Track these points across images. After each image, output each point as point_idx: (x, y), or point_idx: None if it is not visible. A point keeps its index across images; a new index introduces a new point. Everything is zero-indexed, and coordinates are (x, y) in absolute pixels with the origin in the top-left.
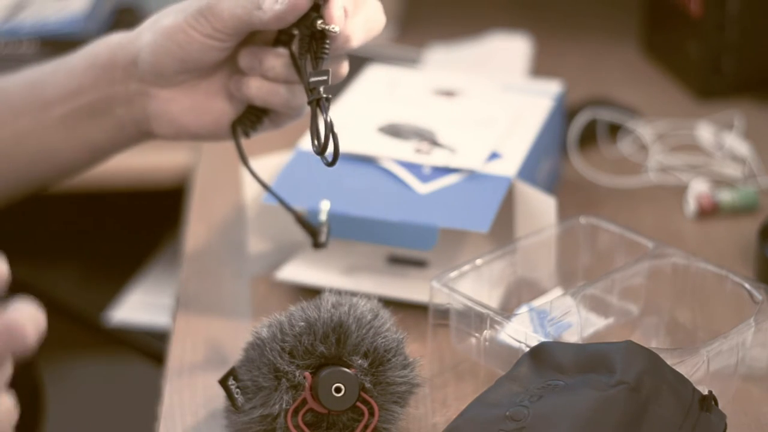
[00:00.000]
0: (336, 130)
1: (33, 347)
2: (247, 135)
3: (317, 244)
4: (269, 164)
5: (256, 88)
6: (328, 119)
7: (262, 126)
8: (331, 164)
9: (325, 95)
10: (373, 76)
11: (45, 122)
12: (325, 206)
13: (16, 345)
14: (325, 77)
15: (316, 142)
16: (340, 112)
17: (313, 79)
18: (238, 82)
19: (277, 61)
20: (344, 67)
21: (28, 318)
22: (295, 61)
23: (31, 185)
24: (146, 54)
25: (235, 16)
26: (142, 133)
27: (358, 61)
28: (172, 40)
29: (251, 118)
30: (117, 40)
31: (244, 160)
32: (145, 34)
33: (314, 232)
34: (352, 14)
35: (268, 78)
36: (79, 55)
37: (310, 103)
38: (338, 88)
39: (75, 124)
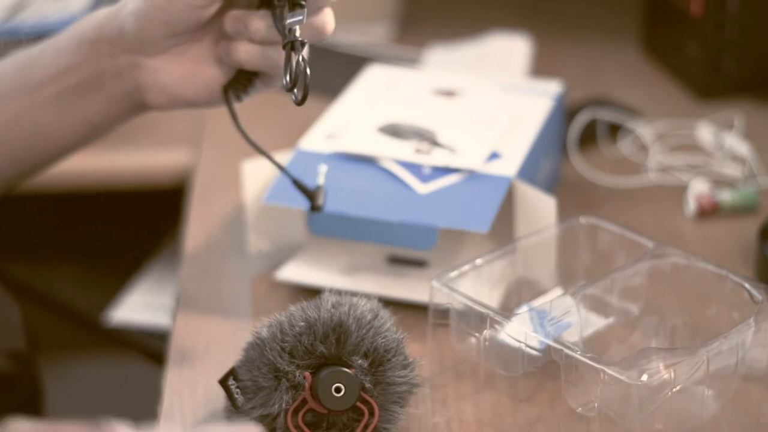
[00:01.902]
0: (308, 70)
1: None
2: (239, 99)
3: (314, 207)
4: (269, 164)
5: (245, 52)
6: (300, 59)
7: (254, 88)
8: (299, 103)
9: (300, 38)
10: (373, 76)
11: (37, 103)
12: (322, 169)
13: None
14: (300, 17)
15: (287, 79)
16: (341, 111)
17: (288, 21)
18: (226, 47)
19: (261, 23)
20: (327, 19)
21: None
22: (273, 7)
23: (28, 168)
24: (130, 23)
25: None
26: (137, 105)
27: (358, 61)
28: (153, 5)
29: (242, 82)
30: (103, 14)
31: (237, 125)
32: (128, 4)
33: (311, 195)
34: None
35: (255, 41)
36: (66, 34)
37: (284, 45)
38: (338, 88)
39: (67, 103)
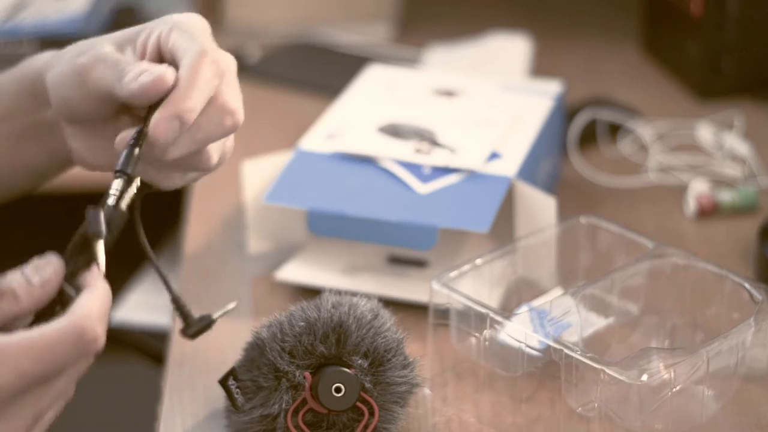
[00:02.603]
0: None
1: (101, 349)
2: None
3: (184, 331)
4: (269, 164)
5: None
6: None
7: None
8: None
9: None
10: (373, 76)
11: None
12: (231, 306)
13: (87, 350)
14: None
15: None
16: (341, 112)
17: (117, 169)
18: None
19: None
20: (208, 158)
21: (97, 317)
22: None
23: None
24: (50, 88)
25: (101, 83)
26: (67, 160)
27: (358, 61)
28: (65, 86)
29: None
30: (41, 63)
31: (141, 237)
32: (55, 67)
33: (187, 320)
34: (190, 129)
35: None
36: (10, 76)
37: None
38: (338, 88)
39: (14, 145)
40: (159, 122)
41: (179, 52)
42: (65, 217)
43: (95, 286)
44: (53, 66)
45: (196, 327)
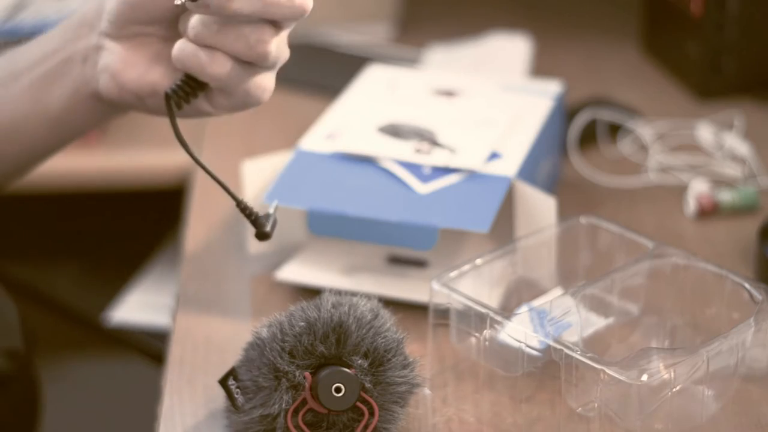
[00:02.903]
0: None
1: None
2: (178, 106)
3: (259, 235)
4: (269, 164)
5: (178, 49)
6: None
7: (198, 102)
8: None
9: (173, 89)
10: (373, 76)
11: (14, 93)
12: (274, 204)
13: None
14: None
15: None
16: (341, 111)
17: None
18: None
19: (198, 20)
20: (262, 82)
21: None
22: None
23: (7, 170)
24: (110, 2)
25: None
26: (92, 96)
27: (358, 61)
28: None
29: (185, 89)
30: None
31: (176, 130)
32: None
33: (258, 222)
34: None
35: (189, 38)
36: (61, 23)
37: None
38: (338, 88)
39: (37, 93)
40: None
41: None
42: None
43: None
44: None
45: (269, 223)
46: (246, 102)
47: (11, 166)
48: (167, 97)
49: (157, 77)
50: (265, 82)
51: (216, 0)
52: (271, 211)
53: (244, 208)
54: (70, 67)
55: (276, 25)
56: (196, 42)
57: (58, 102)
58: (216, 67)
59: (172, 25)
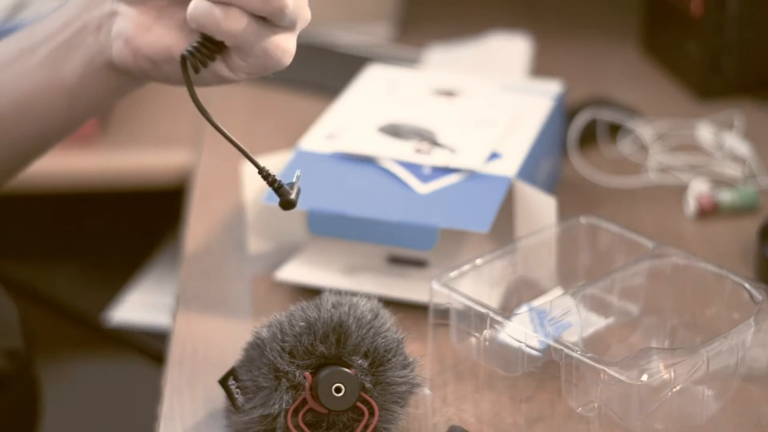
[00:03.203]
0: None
1: None
2: (195, 69)
3: (284, 203)
4: (269, 164)
5: (193, 7)
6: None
7: (216, 66)
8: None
9: (191, 50)
10: (373, 76)
11: (31, 66)
12: (298, 173)
13: None
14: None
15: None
16: (341, 111)
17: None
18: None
19: None
20: (282, 43)
21: None
22: None
23: (22, 148)
24: None
25: None
26: (106, 66)
27: (358, 61)
28: None
29: (202, 51)
30: None
31: (193, 96)
32: None
33: (281, 191)
34: None
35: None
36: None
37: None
38: (338, 88)
39: (52, 65)
40: None
41: None
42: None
43: None
44: None
45: (294, 191)
46: (266, 64)
47: (26, 147)
48: (183, 59)
49: (172, 40)
50: (285, 42)
51: None
52: (294, 179)
53: (266, 176)
54: (85, 36)
55: None
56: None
57: (73, 73)
58: (231, 22)
59: None
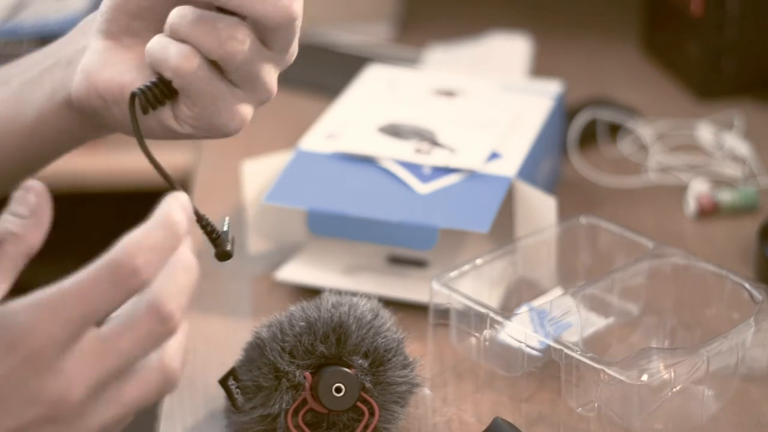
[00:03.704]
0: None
1: (145, 283)
2: (143, 109)
3: (223, 254)
4: (269, 164)
5: (151, 42)
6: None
7: (163, 112)
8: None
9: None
10: (373, 76)
11: (2, 96)
12: (227, 220)
13: (126, 283)
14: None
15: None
16: (341, 111)
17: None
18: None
19: (176, 10)
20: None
21: (135, 249)
22: None
23: None
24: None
25: None
26: (64, 101)
27: (358, 61)
28: None
29: (154, 91)
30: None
31: (137, 132)
32: None
33: (216, 241)
34: None
35: (165, 32)
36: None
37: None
38: (338, 88)
39: (19, 97)
40: None
41: None
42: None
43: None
44: None
45: (228, 242)
46: (212, 122)
47: None
48: (132, 96)
49: (128, 79)
50: (239, 104)
51: None
52: (226, 227)
53: (205, 225)
54: (54, 70)
55: (266, 45)
56: (171, 35)
57: (33, 109)
58: (182, 59)
59: (163, 22)
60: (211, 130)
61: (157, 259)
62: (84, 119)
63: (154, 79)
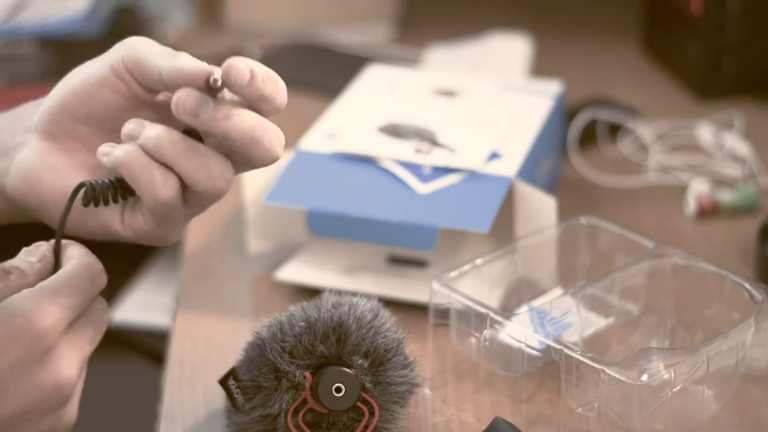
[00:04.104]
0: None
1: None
2: (92, 201)
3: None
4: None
5: (127, 153)
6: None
7: (107, 212)
8: None
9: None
10: (373, 76)
11: None
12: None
13: (98, 282)
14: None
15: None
16: (341, 111)
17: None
18: (107, 146)
19: (164, 132)
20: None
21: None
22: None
23: None
24: (50, 102)
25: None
26: None
27: (358, 61)
28: (76, 91)
29: (106, 191)
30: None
31: (63, 223)
32: (54, 91)
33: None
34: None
35: (145, 147)
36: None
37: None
38: (338, 88)
39: None
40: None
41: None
42: None
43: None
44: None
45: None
46: (160, 234)
47: None
48: (80, 186)
49: (73, 183)
50: (186, 224)
51: (208, 114)
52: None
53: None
54: None
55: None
56: (153, 154)
57: None
58: (166, 188)
59: (109, 130)
60: (154, 240)
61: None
62: (10, 207)
63: (111, 178)
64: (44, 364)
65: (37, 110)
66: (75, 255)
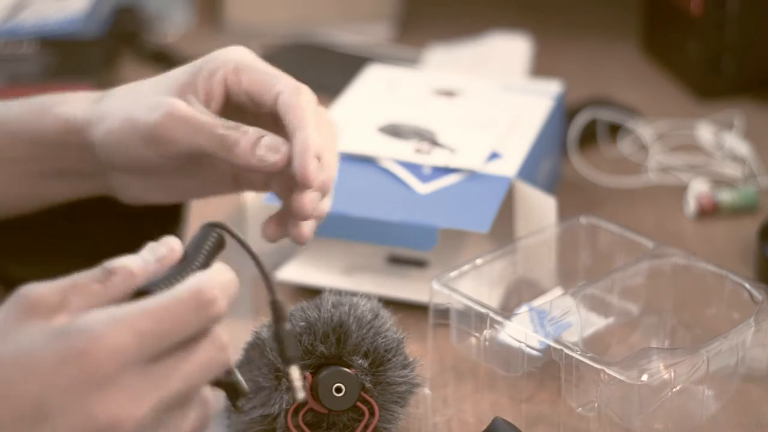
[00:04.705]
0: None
1: (221, 314)
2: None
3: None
4: None
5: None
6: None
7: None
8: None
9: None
10: (373, 76)
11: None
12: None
13: (206, 313)
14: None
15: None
16: (341, 111)
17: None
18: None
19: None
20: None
21: (215, 283)
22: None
23: None
24: (104, 146)
25: (182, 142)
26: (103, 192)
27: (358, 61)
28: (126, 145)
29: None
30: (64, 119)
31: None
32: (100, 124)
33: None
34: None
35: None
36: (22, 117)
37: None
38: (338, 88)
39: (30, 182)
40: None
41: (267, 96)
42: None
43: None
44: (96, 123)
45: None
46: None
47: None
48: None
49: (183, 189)
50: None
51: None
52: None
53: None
54: (66, 175)
55: None
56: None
57: (55, 193)
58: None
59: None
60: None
61: (226, 295)
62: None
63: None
64: (102, 393)
65: (86, 143)
66: (193, 278)
